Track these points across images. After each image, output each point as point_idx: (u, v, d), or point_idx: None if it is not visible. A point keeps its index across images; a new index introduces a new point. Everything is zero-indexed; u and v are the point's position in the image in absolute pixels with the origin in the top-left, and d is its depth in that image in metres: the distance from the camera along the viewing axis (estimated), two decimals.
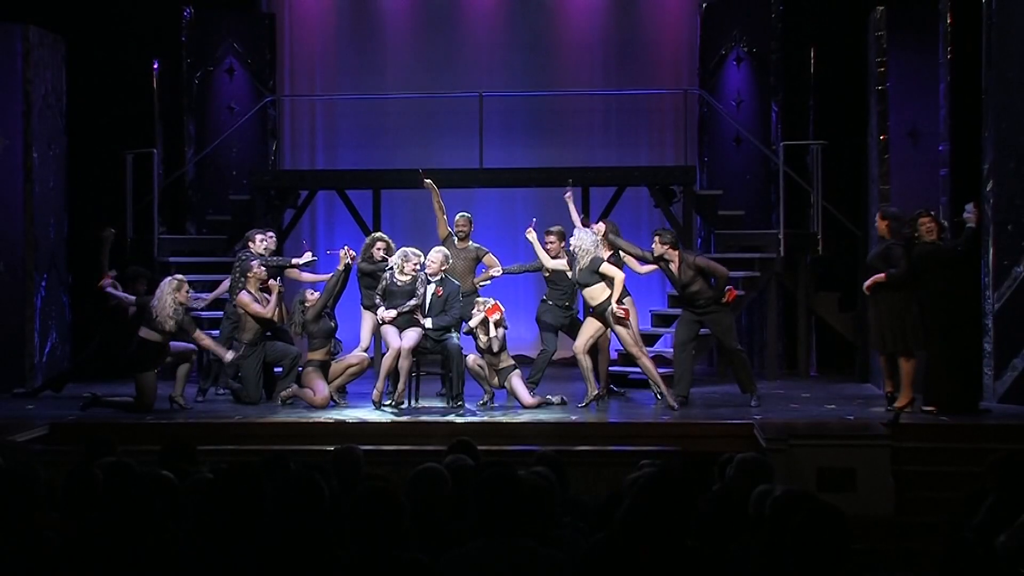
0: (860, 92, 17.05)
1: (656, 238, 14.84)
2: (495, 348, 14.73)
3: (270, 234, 16.04)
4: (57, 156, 17.48)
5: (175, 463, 8.27)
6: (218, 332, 15.89)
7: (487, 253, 16.03)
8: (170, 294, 14.49)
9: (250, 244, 15.66)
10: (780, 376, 17.73)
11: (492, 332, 14.68)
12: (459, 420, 14.01)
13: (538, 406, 14.66)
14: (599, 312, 14.64)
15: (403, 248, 14.94)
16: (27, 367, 16.70)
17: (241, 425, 14.00)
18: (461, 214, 16.05)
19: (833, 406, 14.81)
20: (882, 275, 13.83)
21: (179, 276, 15.05)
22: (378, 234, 16.04)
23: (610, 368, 16.14)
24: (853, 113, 17.37)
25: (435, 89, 20.04)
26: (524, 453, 10.53)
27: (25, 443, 12.46)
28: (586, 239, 14.51)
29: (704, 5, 20.03)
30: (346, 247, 15.26)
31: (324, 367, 15.08)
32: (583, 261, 14.50)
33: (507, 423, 13.87)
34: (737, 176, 19.48)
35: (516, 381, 14.80)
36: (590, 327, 14.82)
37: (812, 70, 18.78)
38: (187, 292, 14.71)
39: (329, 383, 14.99)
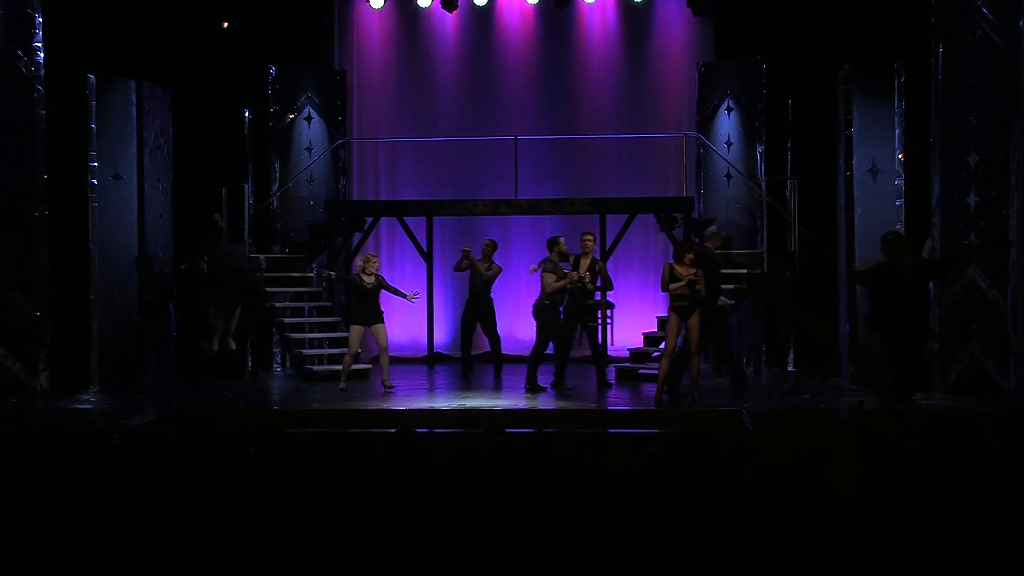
0: (830, 136, 16.96)
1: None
2: None
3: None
4: (165, 189, 17.49)
5: (261, 443, 8.27)
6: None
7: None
8: None
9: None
10: (764, 371, 17.64)
11: None
12: (496, 407, 13.98)
13: None
14: None
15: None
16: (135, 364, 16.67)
17: (320, 411, 14.00)
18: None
19: (808, 396, 14.76)
20: None
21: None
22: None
23: (621, 364, 16.06)
24: (824, 153, 17.27)
25: (478, 133, 20.08)
26: (551, 435, 10.49)
27: (137, 426, 12.49)
28: None
29: (701, 64, 19.97)
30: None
31: None
32: None
33: (537, 410, 13.83)
34: (728, 205, 19.40)
35: None
36: None
37: (790, 118, 18.68)
38: None
39: None
